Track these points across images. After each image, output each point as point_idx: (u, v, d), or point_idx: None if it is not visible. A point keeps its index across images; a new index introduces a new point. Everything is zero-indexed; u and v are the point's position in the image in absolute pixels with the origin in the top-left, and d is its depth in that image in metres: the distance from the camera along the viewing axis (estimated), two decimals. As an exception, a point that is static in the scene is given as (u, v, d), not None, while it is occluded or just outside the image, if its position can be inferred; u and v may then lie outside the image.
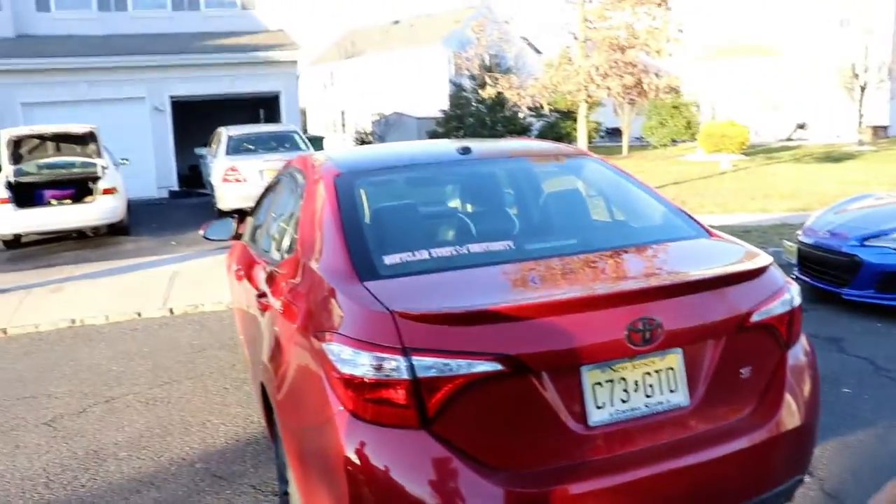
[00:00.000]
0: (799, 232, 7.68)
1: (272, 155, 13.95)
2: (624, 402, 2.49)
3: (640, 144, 32.60)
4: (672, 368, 2.57)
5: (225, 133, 15.32)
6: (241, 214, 5.24)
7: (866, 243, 6.70)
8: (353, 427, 2.31)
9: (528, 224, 3.70)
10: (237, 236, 5.11)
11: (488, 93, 17.72)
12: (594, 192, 3.85)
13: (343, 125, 37.16)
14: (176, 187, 21.15)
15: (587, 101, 16.73)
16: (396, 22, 50.32)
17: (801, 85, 33.00)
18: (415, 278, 2.70)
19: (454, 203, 3.97)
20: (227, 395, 5.37)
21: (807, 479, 2.89)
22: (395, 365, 2.27)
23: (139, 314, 7.79)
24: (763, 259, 2.92)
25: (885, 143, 28.59)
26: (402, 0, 55.19)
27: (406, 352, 2.26)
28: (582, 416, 2.43)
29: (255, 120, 21.95)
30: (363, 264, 2.72)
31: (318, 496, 2.52)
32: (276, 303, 3.13)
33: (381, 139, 34.28)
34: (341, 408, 2.35)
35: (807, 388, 2.87)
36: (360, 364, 2.30)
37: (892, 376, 5.15)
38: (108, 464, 4.34)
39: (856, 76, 30.16)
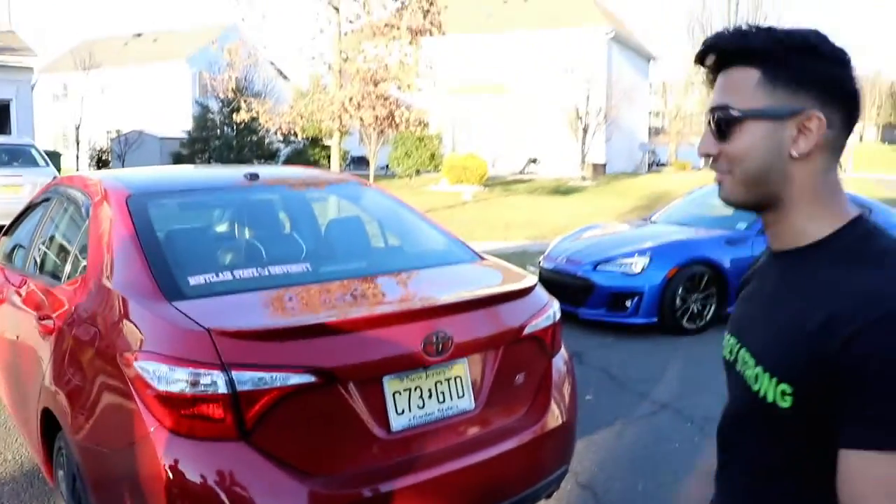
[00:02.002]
0: (540, 258, 8.51)
1: (6, 170, 12.75)
2: (420, 408, 2.75)
3: (385, 174, 33.59)
4: (459, 377, 2.88)
5: (-55, 144, 13.78)
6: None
7: (598, 268, 7.61)
8: (171, 443, 2.35)
9: (320, 248, 3.88)
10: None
11: (242, 116, 17.50)
12: (376, 218, 4.12)
13: (77, 141, 34.43)
14: None
15: (340, 131, 17.12)
16: (139, 35, 47.75)
17: (532, 123, 35.92)
18: (222, 298, 2.80)
19: (248, 227, 4.05)
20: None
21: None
22: (212, 380, 2.35)
23: None
24: (530, 279, 3.35)
25: (604, 179, 31.90)
26: (143, 13, 52.44)
27: (225, 367, 2.36)
28: (385, 423, 2.65)
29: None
30: (168, 285, 2.75)
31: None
32: (65, 325, 3.03)
33: (121, 158, 32.33)
34: (155, 426, 2.38)
35: (567, 390, 3.34)
36: (177, 380, 2.35)
37: (622, 382, 5.93)
38: None
39: (579, 119, 33.50)
